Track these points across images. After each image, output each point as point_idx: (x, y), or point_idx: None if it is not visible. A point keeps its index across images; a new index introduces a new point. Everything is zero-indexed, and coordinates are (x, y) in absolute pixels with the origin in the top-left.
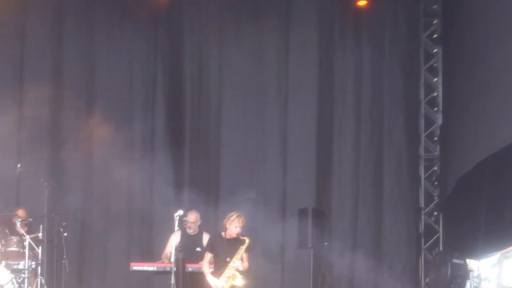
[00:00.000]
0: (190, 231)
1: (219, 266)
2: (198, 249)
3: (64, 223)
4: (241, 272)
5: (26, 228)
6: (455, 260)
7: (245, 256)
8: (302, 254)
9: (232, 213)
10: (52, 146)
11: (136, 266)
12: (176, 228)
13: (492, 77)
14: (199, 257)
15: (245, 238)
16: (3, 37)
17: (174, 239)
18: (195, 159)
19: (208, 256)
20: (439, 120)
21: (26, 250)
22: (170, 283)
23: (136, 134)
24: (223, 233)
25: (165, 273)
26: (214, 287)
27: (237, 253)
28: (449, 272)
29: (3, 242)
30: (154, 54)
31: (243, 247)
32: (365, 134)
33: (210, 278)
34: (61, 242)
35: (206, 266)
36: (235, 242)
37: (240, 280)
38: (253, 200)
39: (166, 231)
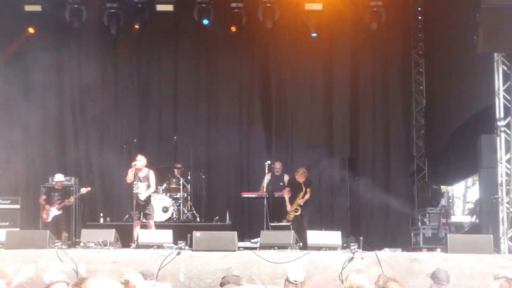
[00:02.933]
0: (276, 173)
1: (293, 197)
2: (281, 183)
3: (202, 170)
4: (302, 204)
5: (181, 173)
6: (433, 186)
7: (308, 191)
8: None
9: (299, 169)
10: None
11: (245, 194)
12: (266, 171)
13: (458, 77)
14: (282, 189)
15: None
16: None
17: (266, 178)
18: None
19: (287, 189)
20: (424, 103)
21: (181, 186)
22: (264, 204)
23: None
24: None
25: (262, 198)
26: (288, 208)
27: (300, 195)
28: (430, 194)
29: (167, 182)
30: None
31: (301, 193)
32: (382, 114)
33: (287, 203)
34: (201, 181)
35: (286, 195)
36: (301, 185)
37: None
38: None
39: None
